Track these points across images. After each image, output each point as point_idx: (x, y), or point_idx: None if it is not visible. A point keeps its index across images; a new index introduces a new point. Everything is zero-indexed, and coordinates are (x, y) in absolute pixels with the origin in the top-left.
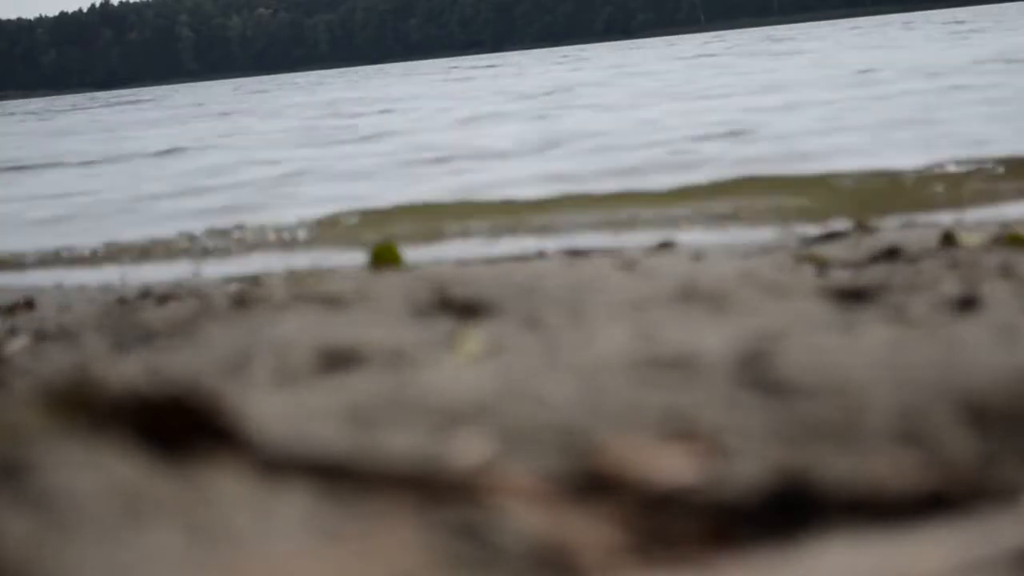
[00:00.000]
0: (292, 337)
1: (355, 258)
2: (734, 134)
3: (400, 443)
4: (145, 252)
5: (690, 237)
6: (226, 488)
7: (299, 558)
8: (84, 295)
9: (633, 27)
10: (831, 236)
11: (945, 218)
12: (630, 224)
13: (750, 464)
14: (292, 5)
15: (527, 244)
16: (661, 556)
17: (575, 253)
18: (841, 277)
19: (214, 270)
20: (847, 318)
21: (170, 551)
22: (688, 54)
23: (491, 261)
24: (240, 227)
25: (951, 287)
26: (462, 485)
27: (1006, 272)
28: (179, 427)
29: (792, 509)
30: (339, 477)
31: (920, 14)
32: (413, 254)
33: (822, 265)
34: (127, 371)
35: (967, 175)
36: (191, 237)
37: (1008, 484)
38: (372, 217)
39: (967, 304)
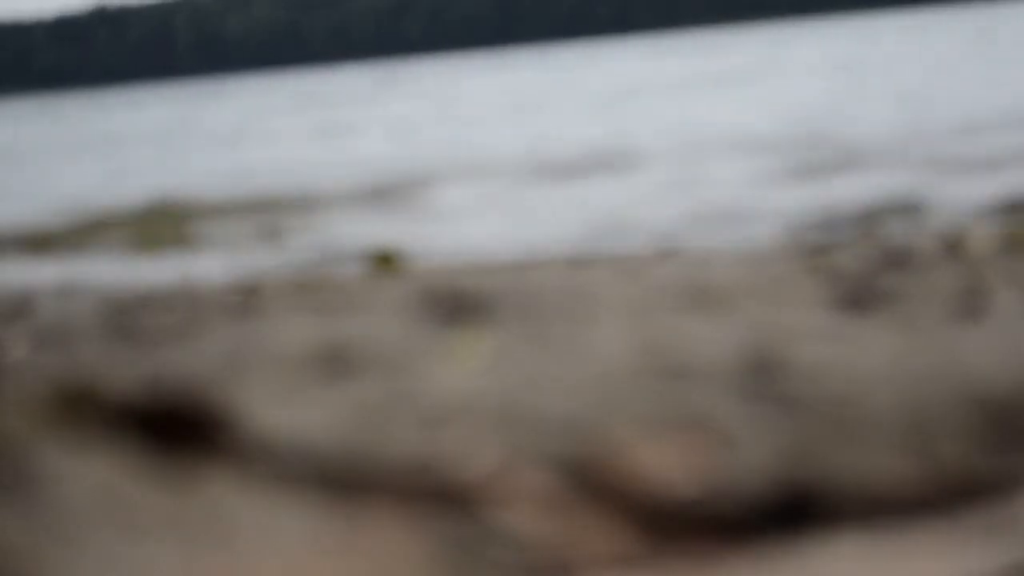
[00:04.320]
0: (293, 343)
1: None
2: None
3: (401, 451)
4: None
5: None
6: (225, 495)
7: (298, 566)
8: (84, 299)
9: (634, 25)
10: (838, 242)
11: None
12: None
13: (752, 468)
14: (290, 4)
15: None
16: (663, 558)
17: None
18: (847, 283)
19: None
20: (853, 323)
21: (167, 559)
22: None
23: (492, 267)
24: None
25: (957, 293)
26: (464, 491)
27: (1012, 277)
28: (178, 434)
29: (795, 512)
30: (340, 484)
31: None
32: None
33: (828, 272)
34: (126, 378)
35: None
36: None
37: (1010, 489)
38: None
39: (972, 309)
